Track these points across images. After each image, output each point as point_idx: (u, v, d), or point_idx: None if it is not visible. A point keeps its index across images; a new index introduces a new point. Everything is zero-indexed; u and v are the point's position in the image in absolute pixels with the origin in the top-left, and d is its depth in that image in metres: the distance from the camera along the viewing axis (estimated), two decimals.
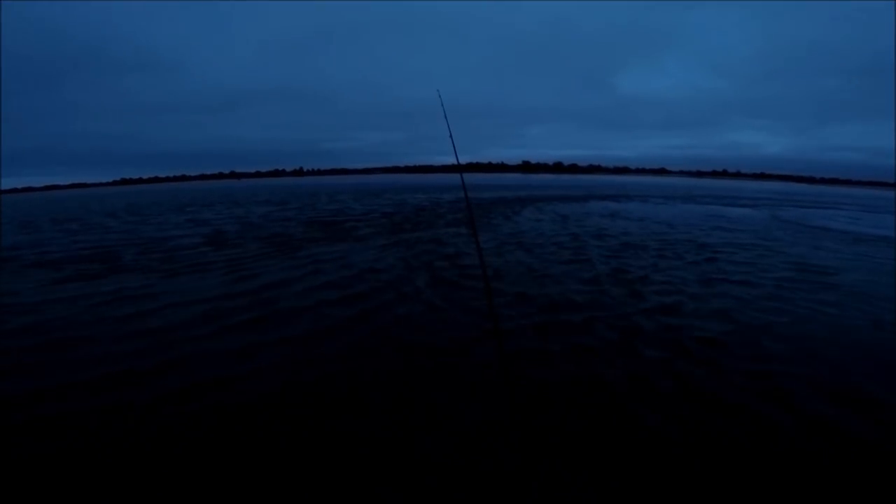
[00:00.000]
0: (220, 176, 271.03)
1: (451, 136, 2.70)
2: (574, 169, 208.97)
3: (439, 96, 3.05)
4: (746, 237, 10.01)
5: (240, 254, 8.18)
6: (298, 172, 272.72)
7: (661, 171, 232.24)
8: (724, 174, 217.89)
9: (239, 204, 21.23)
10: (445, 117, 2.83)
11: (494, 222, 12.03)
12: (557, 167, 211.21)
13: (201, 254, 8.36)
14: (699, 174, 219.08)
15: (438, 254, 7.79)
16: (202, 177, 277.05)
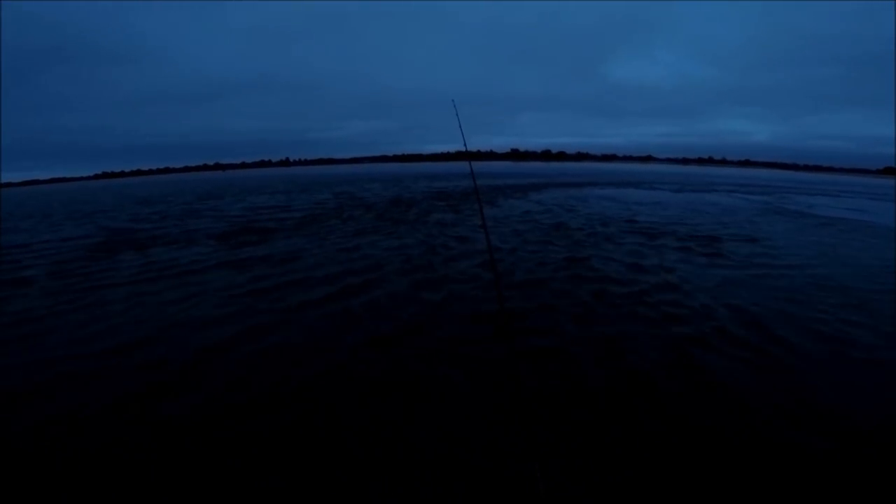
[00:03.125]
0: (205, 167, 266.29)
1: (464, 141, 3.34)
2: (562, 156, 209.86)
3: (454, 105, 3.56)
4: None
5: (372, 225, 9.67)
6: (285, 163, 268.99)
7: (648, 159, 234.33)
8: (710, 161, 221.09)
9: (265, 192, 21.20)
10: (460, 126, 3.40)
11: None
12: (546, 155, 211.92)
13: (344, 223, 10.06)
14: (685, 161, 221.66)
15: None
16: (186, 169, 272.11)
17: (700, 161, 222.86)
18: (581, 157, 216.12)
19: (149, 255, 7.34)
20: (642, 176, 36.34)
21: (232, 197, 19.88)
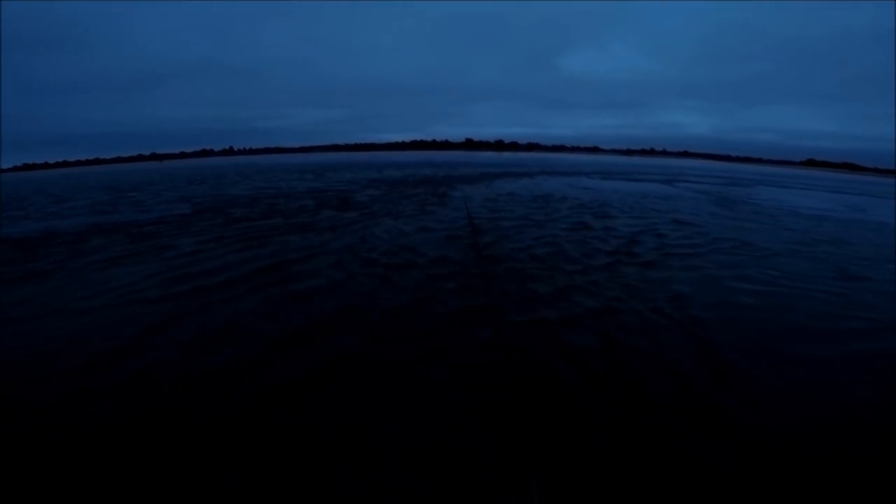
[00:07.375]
0: (140, 158, 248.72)
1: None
2: (515, 147, 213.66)
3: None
4: None
5: (433, 194, 12.91)
6: (229, 151, 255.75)
7: (595, 150, 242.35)
8: (651, 152, 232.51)
9: (259, 180, 20.64)
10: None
11: None
12: (499, 145, 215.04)
13: (410, 198, 12.40)
14: (629, 152, 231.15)
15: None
16: (119, 159, 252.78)
17: (643, 152, 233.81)
18: (532, 147, 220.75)
19: (320, 216, 9.79)
20: (610, 167, 38.01)
21: (231, 183, 19.55)
